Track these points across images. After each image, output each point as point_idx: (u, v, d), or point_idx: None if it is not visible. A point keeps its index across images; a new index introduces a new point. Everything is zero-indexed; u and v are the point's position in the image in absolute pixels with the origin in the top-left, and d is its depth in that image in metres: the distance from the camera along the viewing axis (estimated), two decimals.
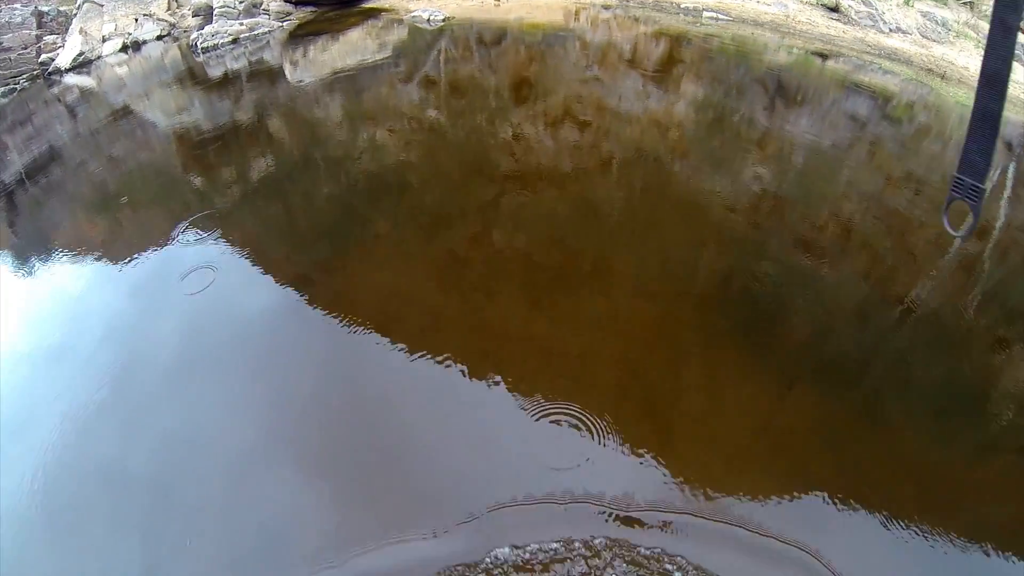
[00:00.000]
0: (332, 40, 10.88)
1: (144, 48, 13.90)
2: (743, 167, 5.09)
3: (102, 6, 19.53)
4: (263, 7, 13.17)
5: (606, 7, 11.84)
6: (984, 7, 15.63)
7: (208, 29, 11.54)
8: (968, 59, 12.21)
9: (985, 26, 13.38)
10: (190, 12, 14.52)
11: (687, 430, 2.67)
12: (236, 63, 10.23)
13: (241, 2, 13.10)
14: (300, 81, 8.80)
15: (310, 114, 6.93)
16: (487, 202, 4.41)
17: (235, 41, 11.29)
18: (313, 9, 13.04)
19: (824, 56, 10.73)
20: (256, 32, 11.57)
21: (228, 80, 9.29)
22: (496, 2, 11.40)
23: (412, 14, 10.41)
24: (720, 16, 11.69)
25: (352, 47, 10.29)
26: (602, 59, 9.03)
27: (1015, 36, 0.85)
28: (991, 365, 3.35)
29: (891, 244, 4.32)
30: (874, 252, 4.17)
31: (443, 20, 10.10)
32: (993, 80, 0.86)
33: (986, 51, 0.88)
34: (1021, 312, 3.86)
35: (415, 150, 5.31)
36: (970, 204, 0.87)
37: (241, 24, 11.68)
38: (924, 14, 13.56)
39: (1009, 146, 7.09)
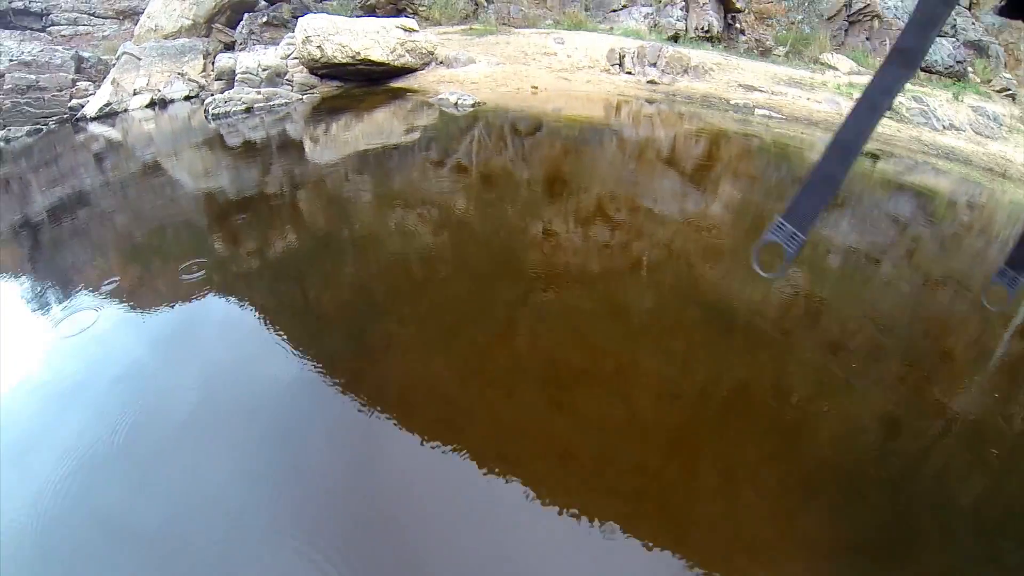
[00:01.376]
0: (356, 118, 9.82)
1: (171, 107, 13.16)
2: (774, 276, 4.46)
3: (140, 60, 19.06)
4: (287, 77, 12.25)
5: (650, 101, 10.70)
6: None
7: (221, 96, 10.54)
8: (1020, 154, 11.30)
9: None
10: (214, 75, 13.72)
11: (703, 539, 2.46)
12: (252, 133, 9.15)
13: (265, 70, 12.19)
14: (320, 159, 7.67)
15: (329, 196, 6.18)
16: (511, 297, 4.16)
17: (249, 110, 10.25)
18: (339, 84, 12.09)
19: (876, 156, 9.70)
20: (273, 103, 10.54)
21: (245, 151, 8.21)
22: (533, 90, 10.32)
23: (439, 96, 9.28)
24: (773, 114, 10.46)
25: (377, 127, 9.19)
26: (639, 156, 8.00)
27: (879, 117, 0.86)
28: None
29: (928, 347, 4.11)
30: (910, 357, 3.91)
31: (472, 105, 8.94)
32: (845, 150, 0.86)
33: (846, 121, 0.86)
34: None
35: (439, 240, 5.00)
36: (786, 249, 0.85)
37: (258, 93, 10.68)
38: (975, 109, 12.93)
39: None
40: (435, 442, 2.76)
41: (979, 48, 17.27)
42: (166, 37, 20.11)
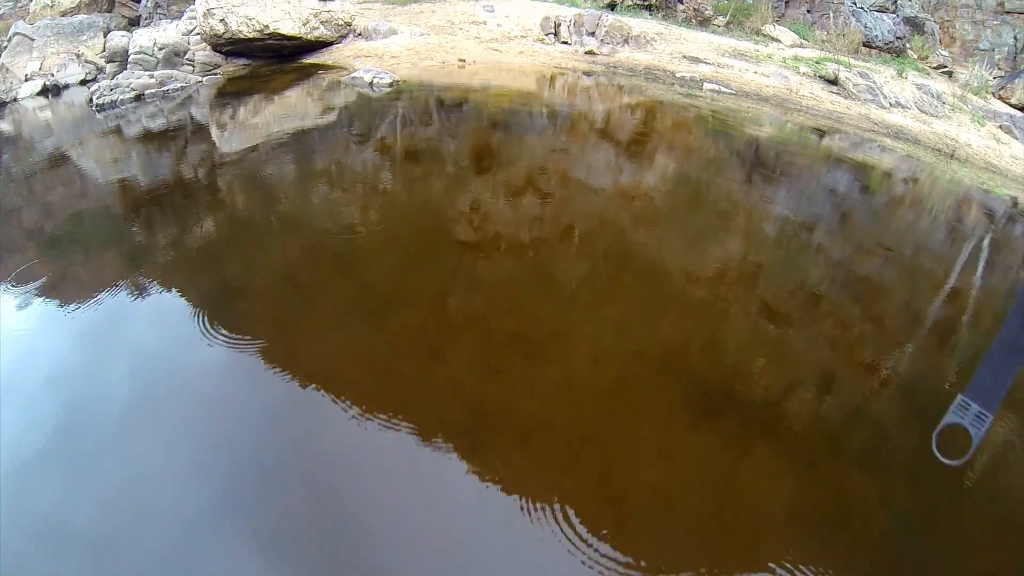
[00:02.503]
0: (266, 100, 8.37)
1: (65, 93, 11.28)
2: (710, 239, 4.78)
3: (33, 41, 16.83)
4: (188, 56, 10.61)
5: (588, 74, 9.58)
6: (962, 79, 14.21)
7: (106, 82, 8.89)
8: (968, 135, 10.75)
9: (973, 100, 12.75)
10: (106, 57, 11.90)
11: (643, 502, 2.36)
12: (131, 127, 7.63)
13: (161, 49, 10.52)
14: (230, 147, 6.39)
15: (242, 183, 5.36)
16: (443, 270, 3.93)
17: (139, 98, 8.64)
18: (246, 62, 10.53)
19: (822, 132, 9.03)
20: (168, 88, 8.95)
21: (147, 140, 6.88)
22: (460, 64, 9.06)
23: (354, 75, 7.91)
24: (722, 88, 9.48)
25: (290, 109, 7.80)
26: (572, 129, 7.13)
27: None
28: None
29: (859, 312, 4.04)
30: (841, 320, 3.90)
31: (390, 85, 7.61)
32: None
33: None
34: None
35: (364, 220, 4.54)
36: (972, 431, 0.75)
37: (151, 77, 9.07)
38: (919, 87, 12.43)
39: None
40: (369, 412, 2.63)
41: (915, 24, 16.79)
42: (64, 14, 17.84)
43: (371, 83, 7.56)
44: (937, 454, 0.77)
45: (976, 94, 13.28)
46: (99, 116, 8.30)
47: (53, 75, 12.72)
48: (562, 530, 2.18)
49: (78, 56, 13.27)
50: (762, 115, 9.05)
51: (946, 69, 15.74)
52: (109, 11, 17.53)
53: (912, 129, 10.27)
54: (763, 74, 10.63)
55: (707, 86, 9.43)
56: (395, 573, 2.10)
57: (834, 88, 11.26)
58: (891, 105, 11.32)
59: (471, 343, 3.24)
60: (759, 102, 9.60)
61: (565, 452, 2.56)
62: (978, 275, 5.15)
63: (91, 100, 8.69)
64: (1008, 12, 18.03)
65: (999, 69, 16.52)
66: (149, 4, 16.27)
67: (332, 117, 6.77)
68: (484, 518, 2.29)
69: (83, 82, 11.90)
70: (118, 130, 7.47)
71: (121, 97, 8.63)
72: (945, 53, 16.85)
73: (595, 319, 3.52)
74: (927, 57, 16.25)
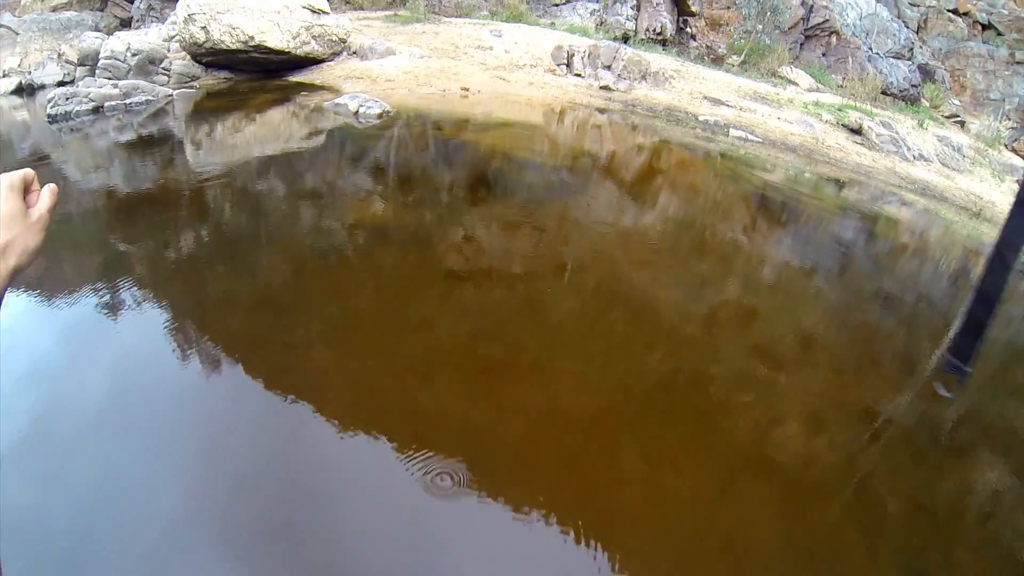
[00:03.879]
0: (247, 119, 7.02)
1: (40, 94, 9.91)
2: (708, 280, 4.37)
3: (17, 35, 15.40)
4: (163, 65, 9.26)
5: (601, 111, 8.33)
6: (973, 129, 13.27)
7: (62, 90, 7.51)
8: (991, 191, 9.87)
9: (991, 153, 11.75)
10: (77, 59, 10.48)
11: (628, 527, 2.24)
12: (94, 141, 6.29)
13: (135, 55, 9.15)
14: (205, 166, 5.21)
15: (219, 207, 4.56)
16: (431, 298, 3.41)
17: (97, 110, 7.28)
18: (228, 76, 9.18)
19: (840, 183, 8.02)
20: (132, 100, 7.58)
21: (111, 157, 5.67)
22: (464, 93, 7.78)
23: (337, 101, 6.57)
24: (748, 136, 8.25)
25: (272, 130, 6.48)
26: (573, 164, 6.15)
27: (1010, 271, 0.84)
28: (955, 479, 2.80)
29: (854, 356, 3.68)
30: (834, 363, 3.56)
31: (379, 116, 6.27)
32: (987, 297, 0.86)
33: (984, 270, 0.86)
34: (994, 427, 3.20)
35: (351, 249, 3.92)
36: (957, 379, 0.88)
37: (114, 87, 7.69)
38: (940, 139, 11.46)
39: None
40: (353, 431, 2.42)
41: (926, 72, 15.75)
42: (54, 9, 16.42)
43: (357, 112, 6.22)
44: (939, 390, 1.01)
45: (989, 146, 12.22)
46: (52, 127, 6.95)
47: (30, 73, 11.36)
48: (546, 553, 2.08)
49: (59, 55, 11.84)
50: (795, 168, 7.82)
51: (958, 119, 14.72)
52: (101, 9, 16.11)
53: (938, 185, 9.22)
54: (787, 120, 9.43)
55: (733, 132, 8.19)
56: None
57: (857, 138, 10.14)
58: (915, 158, 10.27)
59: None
60: (786, 151, 8.40)
61: (551, 477, 2.40)
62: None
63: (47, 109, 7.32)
64: (1019, 63, 17.04)
65: (1009, 120, 15.49)
66: (142, 5, 14.86)
67: (295, 160, 5.32)
68: (468, 538, 2.15)
69: (60, 83, 10.53)
70: (72, 143, 6.12)
71: (77, 108, 7.24)
72: (957, 102, 15.83)
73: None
74: (940, 106, 15.20)
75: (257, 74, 9.15)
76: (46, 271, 3.44)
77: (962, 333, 0.87)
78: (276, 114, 6.89)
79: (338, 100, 6.47)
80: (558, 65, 9.13)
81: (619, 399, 2.88)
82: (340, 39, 9.31)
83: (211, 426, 2.51)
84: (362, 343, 3.03)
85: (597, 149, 6.86)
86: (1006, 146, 13.50)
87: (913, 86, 14.70)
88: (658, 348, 3.45)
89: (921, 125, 11.81)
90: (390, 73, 8.12)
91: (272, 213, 4.24)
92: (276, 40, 8.82)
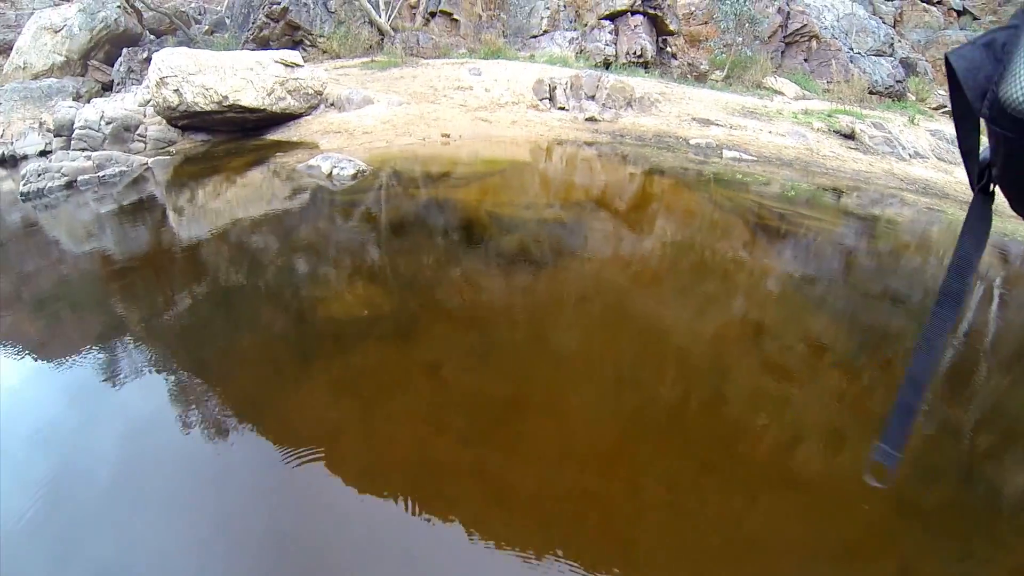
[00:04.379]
0: (227, 182, 6.65)
1: (23, 165, 9.54)
2: (711, 299, 4.24)
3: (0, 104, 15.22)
4: (139, 132, 8.94)
5: (589, 144, 7.96)
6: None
7: (34, 166, 7.16)
8: None
9: (984, 140, 11.25)
10: (53, 130, 10.16)
11: (652, 555, 2.19)
12: (98, 207, 5.93)
13: (109, 123, 8.85)
14: (190, 234, 5.02)
15: (211, 272, 4.46)
16: (436, 340, 3.37)
17: (70, 185, 6.93)
18: (206, 138, 8.85)
19: (840, 192, 7.72)
20: (106, 172, 7.24)
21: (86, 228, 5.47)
22: (444, 140, 7.42)
23: (310, 163, 6.16)
24: (742, 155, 7.87)
25: (255, 191, 6.12)
26: (566, 197, 5.99)
27: (937, 355, 0.84)
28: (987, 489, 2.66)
29: (865, 362, 3.56)
30: (847, 372, 3.43)
31: (354, 176, 5.86)
32: (916, 382, 0.85)
33: (914, 358, 0.84)
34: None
35: (349, 299, 3.85)
36: (887, 466, 0.86)
37: (87, 159, 7.35)
38: (933, 133, 11.14)
39: None
40: (363, 488, 2.36)
41: (908, 65, 15.44)
42: (36, 76, 16.17)
43: (330, 174, 5.84)
44: (869, 479, 0.87)
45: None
46: (27, 205, 6.62)
47: (12, 144, 11.06)
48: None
49: (40, 124, 11.54)
50: (791, 182, 7.42)
51: (946, 109, 14.36)
52: (82, 75, 15.89)
53: (938, 182, 8.83)
54: (779, 133, 9.05)
55: (726, 153, 7.81)
56: None
57: (851, 143, 9.79)
58: (911, 156, 9.93)
59: None
60: (782, 167, 8.00)
61: (572, 515, 2.30)
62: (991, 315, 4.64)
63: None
64: None
65: None
66: (122, 68, 14.62)
67: (251, 236, 4.86)
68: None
69: (43, 153, 10.23)
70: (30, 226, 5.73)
71: (49, 184, 6.89)
72: (943, 92, 15.49)
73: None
74: (926, 99, 14.86)
75: (235, 134, 8.82)
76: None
77: (892, 420, 0.87)
78: (248, 180, 6.50)
79: (311, 162, 6.10)
80: (540, 100, 8.79)
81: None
82: (316, 91, 8.98)
83: (218, 484, 2.45)
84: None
85: (589, 189, 6.46)
86: None
87: (898, 82, 14.37)
88: (676, 373, 3.38)
89: (912, 121, 11.49)
90: (367, 124, 7.77)
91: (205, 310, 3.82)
92: (251, 98, 8.50)
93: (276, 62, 8.89)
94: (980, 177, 0.80)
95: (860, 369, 3.50)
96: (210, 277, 4.24)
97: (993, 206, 0.82)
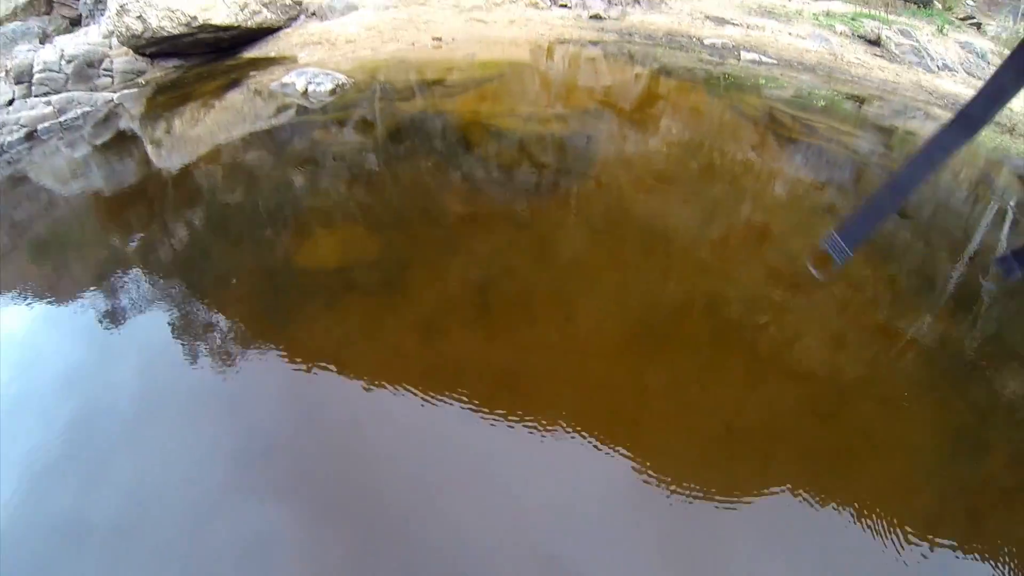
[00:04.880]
0: (205, 108, 5.97)
1: None
2: (717, 202, 3.99)
3: None
4: (104, 66, 8.12)
5: (594, 43, 7.16)
6: (990, 31, 11.67)
7: None
8: (1017, 100, 8.30)
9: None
10: (13, 78, 9.29)
11: (655, 433, 2.28)
12: (62, 156, 5.34)
13: (70, 61, 8.04)
14: (171, 164, 4.66)
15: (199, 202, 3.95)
16: (438, 242, 3.26)
17: (31, 136, 6.22)
18: (178, 63, 8.05)
19: (860, 100, 7.17)
20: (68, 116, 6.52)
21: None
22: (436, 43, 6.63)
23: (284, 80, 5.44)
24: (762, 58, 7.08)
25: (236, 113, 5.47)
26: (568, 103, 5.41)
27: (935, 170, 0.77)
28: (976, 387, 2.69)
29: (870, 273, 3.45)
30: (850, 279, 3.33)
31: (332, 91, 5.13)
32: (899, 190, 0.78)
33: (904, 167, 0.77)
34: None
35: (347, 208, 3.63)
36: (835, 260, 0.79)
37: (47, 105, 6.63)
38: (963, 45, 10.30)
39: None
40: (379, 385, 2.36)
41: None
42: (0, 23, 15.13)
43: (306, 91, 5.14)
44: (811, 268, 0.82)
45: (1008, 47, 10.93)
46: None
47: None
48: (582, 454, 2.09)
49: (6, 72, 10.65)
50: (809, 90, 6.70)
51: (974, 20, 13.23)
52: (48, 13, 14.74)
53: (967, 98, 8.04)
54: (799, 36, 8.18)
55: (744, 55, 7.01)
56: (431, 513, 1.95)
57: (876, 50, 8.94)
58: (939, 68, 9.12)
59: None
60: (803, 72, 7.24)
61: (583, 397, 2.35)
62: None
63: None
64: None
65: None
66: (89, 1, 13.51)
67: (205, 175, 4.25)
68: (512, 453, 2.13)
69: (9, 103, 9.44)
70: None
71: (8, 139, 6.16)
72: (971, 2, 14.26)
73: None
74: (953, 7, 13.66)
75: (210, 55, 8.00)
76: None
77: (858, 215, 0.77)
78: (218, 106, 5.79)
79: (285, 79, 5.38)
80: None
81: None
82: (295, 1, 8.11)
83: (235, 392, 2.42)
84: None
85: (593, 92, 5.74)
86: None
87: None
88: (681, 274, 3.33)
89: (940, 31, 10.50)
90: (351, 32, 6.96)
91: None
92: (223, 16, 7.64)
93: None
94: None
95: (858, 279, 3.40)
96: (156, 223, 3.66)
97: None
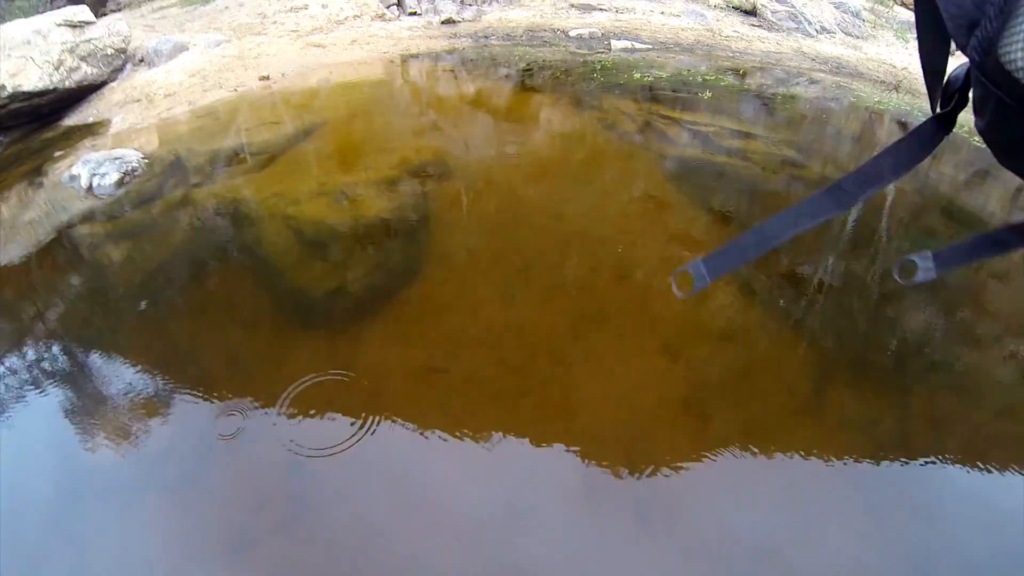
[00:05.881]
0: None
1: None
2: (598, 188, 4.14)
3: None
4: None
5: (449, 53, 6.31)
6: None
7: None
8: (899, 56, 8.51)
9: (883, 11, 10.55)
10: None
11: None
12: None
13: None
14: None
15: None
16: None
17: None
18: None
19: (741, 72, 6.77)
20: None
21: None
22: (264, 81, 5.74)
23: (72, 172, 4.48)
24: (635, 44, 6.33)
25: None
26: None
27: (800, 229, 0.75)
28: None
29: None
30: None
31: (121, 181, 4.21)
32: (765, 239, 0.76)
33: (774, 218, 0.76)
34: None
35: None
36: (695, 284, 0.78)
37: None
38: (836, 5, 10.07)
39: None
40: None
41: None
42: None
43: (90, 187, 4.35)
44: (674, 287, 0.81)
45: (882, 4, 10.46)
46: None
47: None
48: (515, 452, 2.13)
49: None
50: (687, 70, 5.97)
51: None
52: None
53: (850, 60, 7.88)
54: (672, 14, 7.42)
55: (615, 44, 6.26)
56: None
57: (754, 20, 8.43)
58: (817, 32, 8.83)
59: None
60: (681, 53, 6.55)
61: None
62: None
63: None
64: None
65: None
66: None
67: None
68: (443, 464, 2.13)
69: None
70: None
71: None
72: None
73: None
74: None
75: (32, 125, 7.03)
76: None
77: (723, 251, 0.78)
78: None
79: (74, 169, 4.55)
80: (388, 7, 6.96)
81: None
82: (118, 50, 7.09)
83: None
84: None
85: (441, 129, 4.99)
86: (896, 1, 11.69)
87: None
88: (576, 257, 3.40)
89: None
90: (173, 82, 6.07)
91: None
92: (35, 79, 6.66)
93: (59, 25, 6.94)
94: (945, 102, 0.65)
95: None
96: None
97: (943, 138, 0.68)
